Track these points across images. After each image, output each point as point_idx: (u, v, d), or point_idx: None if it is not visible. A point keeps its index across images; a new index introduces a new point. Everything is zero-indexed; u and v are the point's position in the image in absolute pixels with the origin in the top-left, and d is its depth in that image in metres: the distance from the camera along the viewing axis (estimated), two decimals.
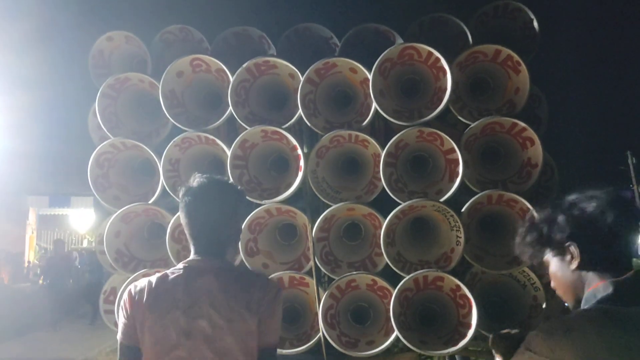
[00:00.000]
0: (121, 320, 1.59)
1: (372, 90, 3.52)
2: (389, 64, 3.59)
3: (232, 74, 3.73)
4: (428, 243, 3.69)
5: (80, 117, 4.54)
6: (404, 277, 3.38)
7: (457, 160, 3.44)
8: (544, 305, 3.46)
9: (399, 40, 3.93)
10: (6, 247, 13.81)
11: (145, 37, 4.13)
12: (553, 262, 1.27)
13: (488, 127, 3.57)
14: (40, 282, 11.40)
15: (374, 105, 3.55)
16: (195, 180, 1.66)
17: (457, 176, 3.45)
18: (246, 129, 3.68)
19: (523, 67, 3.55)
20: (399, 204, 3.43)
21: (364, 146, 3.69)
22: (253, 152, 3.75)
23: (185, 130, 3.76)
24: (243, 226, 3.56)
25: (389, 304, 3.37)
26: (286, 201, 3.68)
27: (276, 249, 3.86)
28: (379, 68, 3.55)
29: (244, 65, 3.72)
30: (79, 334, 9.49)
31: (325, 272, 3.67)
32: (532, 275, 3.50)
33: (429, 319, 3.58)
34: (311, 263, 3.60)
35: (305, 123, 3.71)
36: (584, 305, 1.18)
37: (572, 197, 1.24)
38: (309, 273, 3.62)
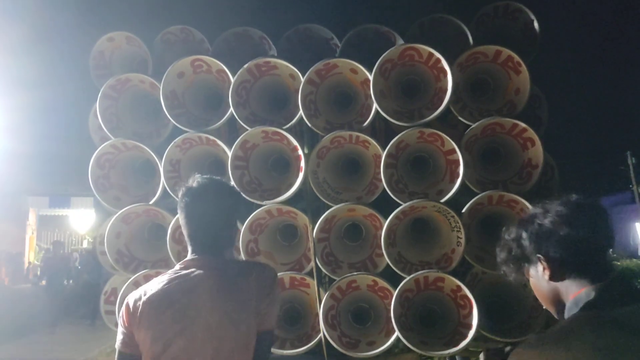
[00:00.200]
0: (120, 329, 1.61)
1: (372, 91, 3.53)
2: (389, 64, 3.60)
3: (233, 75, 3.73)
4: (429, 244, 3.69)
5: (81, 118, 4.55)
6: (405, 278, 3.38)
7: (457, 161, 3.45)
8: (544, 306, 3.45)
9: (400, 41, 3.93)
10: (6, 247, 13.82)
11: (146, 37, 4.14)
12: (531, 275, 1.30)
13: (488, 127, 3.57)
14: (43, 283, 11.41)
15: (375, 105, 3.55)
16: (194, 181, 1.68)
17: (457, 177, 3.45)
18: (247, 129, 3.68)
19: (523, 67, 3.55)
20: (400, 205, 3.43)
21: (364, 147, 3.69)
22: (254, 152, 3.75)
23: (186, 131, 3.76)
24: (244, 227, 3.57)
25: (389, 304, 3.37)
26: (287, 202, 3.68)
27: (277, 249, 3.86)
28: (380, 69, 3.55)
29: (245, 66, 3.72)
30: (79, 334, 9.48)
31: (326, 272, 3.67)
32: None
33: (430, 319, 3.58)
34: (312, 264, 3.60)
35: (306, 124, 3.71)
36: (567, 314, 1.19)
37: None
38: (310, 274, 3.62)
